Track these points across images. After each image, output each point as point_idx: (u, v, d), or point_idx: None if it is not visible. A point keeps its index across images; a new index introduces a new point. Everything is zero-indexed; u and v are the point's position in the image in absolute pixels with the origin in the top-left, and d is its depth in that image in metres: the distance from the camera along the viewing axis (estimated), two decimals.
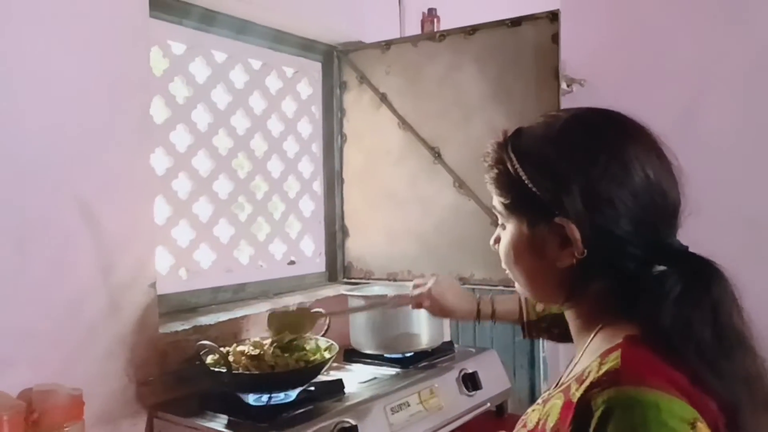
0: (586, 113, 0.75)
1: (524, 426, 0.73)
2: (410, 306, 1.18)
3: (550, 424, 0.65)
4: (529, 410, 0.74)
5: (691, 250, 0.69)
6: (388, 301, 1.31)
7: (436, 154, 1.58)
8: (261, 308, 1.42)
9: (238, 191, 1.51)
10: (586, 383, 0.62)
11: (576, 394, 0.62)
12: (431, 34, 1.63)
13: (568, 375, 0.73)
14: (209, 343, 1.09)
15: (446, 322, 1.56)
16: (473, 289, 1.65)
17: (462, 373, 1.37)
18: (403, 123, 1.63)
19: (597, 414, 0.57)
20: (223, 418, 1.09)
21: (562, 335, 0.98)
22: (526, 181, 0.70)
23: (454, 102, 1.55)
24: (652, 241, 0.67)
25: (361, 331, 1.44)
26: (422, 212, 1.61)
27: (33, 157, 1.00)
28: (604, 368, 0.62)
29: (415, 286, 1.17)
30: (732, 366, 0.63)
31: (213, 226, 1.46)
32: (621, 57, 2.56)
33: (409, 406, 1.22)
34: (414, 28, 1.85)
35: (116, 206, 1.11)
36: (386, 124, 1.66)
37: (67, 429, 0.97)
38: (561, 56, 1.48)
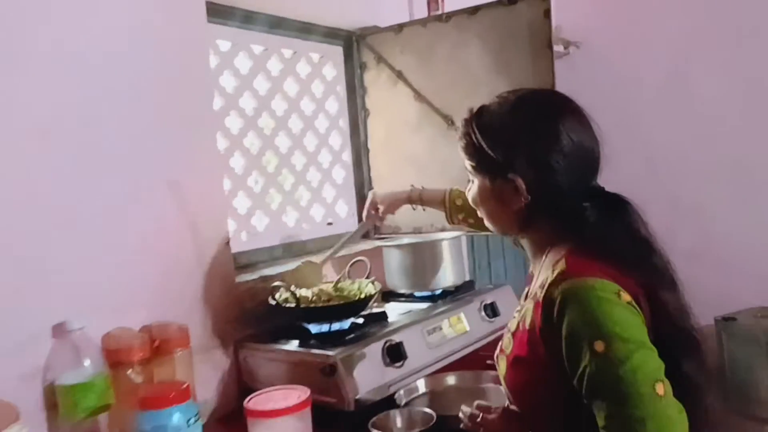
0: (528, 94, 1.00)
1: (508, 330, 0.99)
2: (367, 225, 1.57)
3: (527, 322, 0.92)
4: (509, 322, 1.01)
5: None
6: (355, 234, 1.59)
7: (450, 122, 1.82)
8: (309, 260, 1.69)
9: (282, 165, 1.77)
10: (546, 286, 0.88)
11: (540, 294, 0.89)
12: (438, 16, 1.86)
13: (532, 287, 0.99)
14: (283, 284, 1.37)
15: (467, 264, 1.82)
16: (487, 236, 1.91)
17: (482, 303, 1.64)
18: (419, 96, 1.86)
19: (557, 302, 0.85)
20: (294, 343, 1.37)
21: (476, 226, 1.40)
22: (485, 149, 0.95)
23: (462, 74, 1.78)
24: (579, 186, 0.93)
25: (395, 275, 1.71)
26: (440, 172, 1.85)
27: (133, 147, 1.26)
28: (556, 272, 0.88)
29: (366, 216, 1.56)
30: (646, 264, 0.90)
31: (264, 195, 1.72)
32: (615, 20, 2.73)
33: (441, 329, 1.49)
34: (422, 10, 2.07)
35: (196, 182, 1.38)
36: (403, 97, 1.89)
37: (178, 353, 1.25)
38: (556, 21, 1.68)
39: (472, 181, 1.03)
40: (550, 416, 0.92)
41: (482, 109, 0.99)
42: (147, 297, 1.27)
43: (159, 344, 1.22)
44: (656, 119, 2.55)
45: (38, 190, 1.11)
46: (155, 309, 1.28)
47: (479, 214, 1.05)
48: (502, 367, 0.99)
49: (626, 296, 0.84)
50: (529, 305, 0.92)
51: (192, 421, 0.98)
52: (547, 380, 0.88)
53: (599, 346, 0.79)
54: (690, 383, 0.85)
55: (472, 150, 0.98)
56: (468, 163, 1.01)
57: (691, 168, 2.53)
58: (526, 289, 1.04)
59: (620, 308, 0.82)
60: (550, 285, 0.87)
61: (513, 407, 1.06)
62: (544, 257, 0.97)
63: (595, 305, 0.82)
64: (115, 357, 1.16)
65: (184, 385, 1.01)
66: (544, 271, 0.95)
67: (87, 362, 1.10)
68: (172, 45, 1.34)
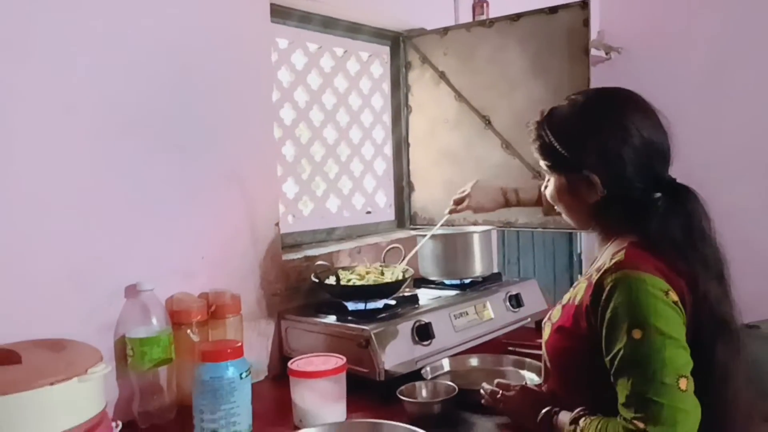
0: (596, 94, 1.09)
1: (559, 303, 1.09)
2: (457, 210, 1.64)
3: (578, 298, 1.01)
4: (563, 297, 1.09)
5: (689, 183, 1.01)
6: (447, 216, 1.69)
7: (487, 121, 1.92)
8: (348, 246, 1.83)
9: (328, 155, 1.91)
10: (602, 270, 0.97)
11: (594, 277, 0.98)
12: (482, 21, 1.95)
13: (590, 269, 1.08)
14: (326, 264, 1.51)
15: (495, 257, 1.92)
16: (518, 231, 2.01)
17: (508, 294, 1.74)
18: (459, 96, 1.97)
19: (607, 288, 0.93)
20: (332, 318, 1.50)
21: None
22: (558, 149, 1.04)
23: (501, 78, 1.88)
24: (650, 178, 1.00)
25: (427, 263, 1.83)
26: (475, 169, 1.96)
27: (205, 137, 1.42)
28: (614, 260, 0.96)
29: (456, 201, 1.62)
30: (695, 254, 0.96)
31: (311, 182, 1.86)
32: (655, 26, 2.77)
33: (467, 314, 1.60)
34: (466, 15, 2.17)
35: (253, 167, 1.53)
36: (444, 97, 2.00)
37: (230, 319, 1.40)
38: (600, 26, 1.75)
39: (549, 180, 1.11)
40: (577, 384, 1.02)
41: (553, 111, 1.06)
42: (206, 267, 1.43)
43: (215, 309, 1.38)
44: (693, 124, 2.59)
45: (126, 173, 1.29)
46: (213, 278, 1.43)
47: (557, 209, 1.13)
48: (546, 332, 1.08)
49: (674, 296, 0.91)
50: (583, 284, 1.01)
51: (244, 375, 1.13)
52: (582, 352, 0.98)
53: (637, 333, 0.88)
54: (719, 369, 0.92)
55: (546, 150, 1.06)
56: (543, 163, 1.09)
57: (727, 173, 2.56)
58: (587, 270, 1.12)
59: (664, 305, 0.90)
60: (606, 271, 0.95)
61: (531, 386, 1.17)
62: (609, 243, 1.05)
63: (642, 296, 0.90)
64: (177, 317, 1.32)
65: (239, 344, 1.16)
66: (604, 257, 1.03)
67: (154, 320, 1.27)
68: (240, 42, 1.49)
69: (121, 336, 1.27)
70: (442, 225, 1.73)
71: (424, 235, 1.82)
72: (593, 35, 2.79)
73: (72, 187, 1.21)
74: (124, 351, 1.26)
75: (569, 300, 1.05)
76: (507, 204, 1.58)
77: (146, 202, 1.32)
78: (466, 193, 1.61)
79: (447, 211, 1.67)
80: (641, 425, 0.85)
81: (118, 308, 1.28)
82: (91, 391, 0.97)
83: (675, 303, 0.91)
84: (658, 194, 0.99)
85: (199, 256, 1.42)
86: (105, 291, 1.25)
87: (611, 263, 0.96)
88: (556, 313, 1.08)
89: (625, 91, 1.06)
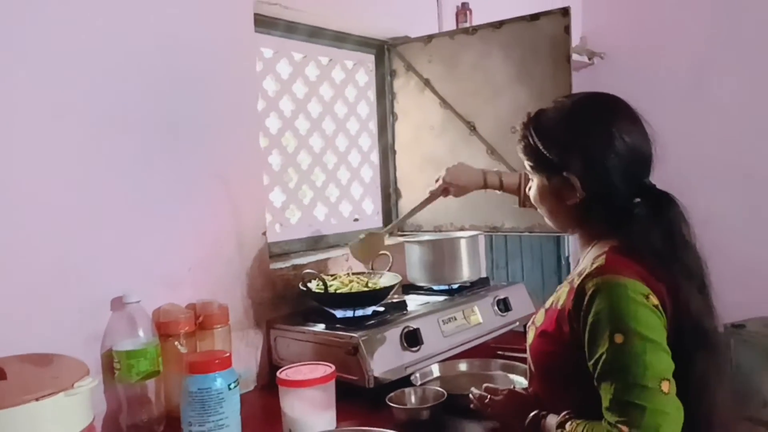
0: (583, 98, 1.10)
1: (543, 307, 1.10)
2: (439, 196, 1.63)
3: (560, 302, 1.02)
4: (546, 301, 1.10)
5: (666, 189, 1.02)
6: (424, 203, 1.69)
7: (472, 127, 1.94)
8: (336, 253, 1.83)
9: (315, 163, 1.91)
10: (583, 275, 0.97)
11: (576, 282, 0.99)
12: (465, 29, 1.98)
13: (572, 273, 1.09)
14: (313, 272, 1.51)
15: (483, 262, 1.94)
16: (505, 235, 2.02)
17: (496, 298, 1.76)
18: (444, 102, 1.99)
19: (588, 293, 0.94)
20: (320, 326, 1.50)
21: None
22: (542, 150, 1.05)
23: (485, 84, 1.90)
24: (631, 183, 1.01)
25: (415, 269, 1.84)
26: None
27: (188, 143, 1.42)
28: (594, 265, 0.97)
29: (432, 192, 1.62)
30: (677, 262, 0.97)
31: (297, 191, 1.87)
32: (637, 31, 2.82)
33: (456, 319, 1.61)
34: (450, 23, 2.20)
35: (239, 176, 1.53)
36: (429, 103, 2.02)
37: (218, 329, 1.40)
38: (582, 32, 1.77)
39: (532, 180, 1.12)
40: (562, 387, 1.03)
41: (539, 113, 1.08)
42: (193, 277, 1.43)
43: (202, 320, 1.38)
44: (673, 129, 2.62)
45: (105, 178, 1.28)
46: (200, 288, 1.43)
47: (540, 212, 1.14)
48: (530, 336, 1.09)
49: (654, 300, 0.92)
50: (565, 288, 1.02)
51: (232, 386, 1.13)
52: (566, 356, 0.99)
53: (618, 338, 0.89)
54: (698, 378, 0.92)
55: (530, 151, 1.07)
56: (527, 164, 1.10)
57: (707, 177, 2.61)
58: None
59: (645, 309, 0.90)
60: (587, 276, 0.96)
61: (519, 389, 1.18)
62: (590, 248, 1.06)
63: (623, 302, 0.90)
64: (164, 329, 1.32)
65: (226, 354, 1.16)
66: (585, 261, 1.04)
67: (141, 332, 1.26)
68: (224, 52, 1.49)
69: (108, 349, 1.27)
70: (418, 210, 1.72)
71: (412, 242, 1.84)
72: (576, 41, 2.83)
73: (56, 197, 1.20)
74: (111, 364, 1.26)
75: (552, 304, 1.06)
76: (486, 185, 1.57)
77: (131, 212, 1.32)
78: (443, 182, 1.61)
79: (427, 196, 1.67)
80: (625, 429, 0.86)
81: (104, 321, 1.27)
82: (78, 405, 0.97)
83: (656, 307, 0.92)
84: (639, 200, 1.00)
85: (185, 266, 1.41)
86: (90, 303, 1.25)
87: (592, 268, 0.97)
88: (539, 317, 1.09)
89: (612, 97, 1.07)
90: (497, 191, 1.59)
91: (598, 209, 1.03)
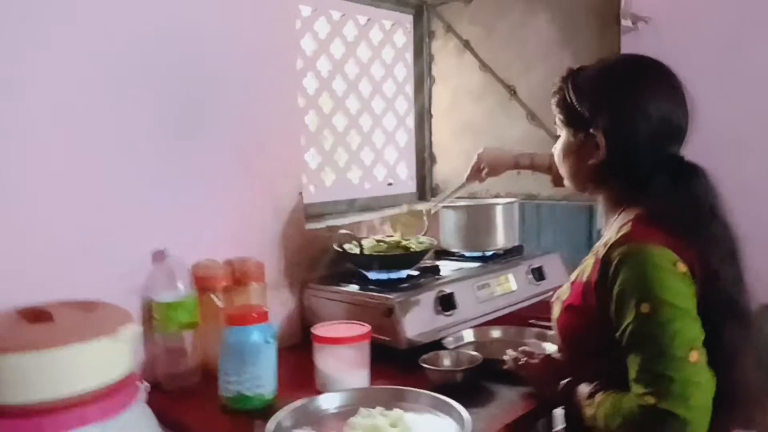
0: (626, 59, 1.07)
1: (569, 280, 1.08)
2: (474, 181, 1.64)
3: (586, 274, 1.00)
4: (572, 274, 1.08)
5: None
6: (456, 191, 1.70)
7: (512, 92, 1.89)
8: (370, 217, 1.83)
9: (351, 125, 1.89)
10: (608, 245, 0.95)
11: (601, 252, 0.96)
12: None
13: (597, 244, 1.06)
14: (350, 233, 1.51)
15: (516, 229, 1.90)
16: (539, 204, 1.99)
17: (530, 267, 1.73)
18: (483, 65, 1.94)
19: (614, 262, 0.92)
20: (354, 287, 1.50)
21: None
22: (574, 103, 1.02)
23: (527, 47, 1.84)
24: (657, 151, 0.98)
25: (449, 235, 1.82)
26: (498, 141, 1.93)
27: (229, 105, 1.41)
28: (620, 234, 0.95)
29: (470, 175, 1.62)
30: (705, 231, 0.94)
31: (333, 153, 1.85)
32: None
33: (490, 286, 1.59)
34: None
35: (277, 136, 1.52)
36: (468, 67, 1.97)
37: (254, 286, 1.41)
38: None
39: (559, 137, 1.10)
40: (589, 360, 1.02)
41: (581, 68, 1.06)
42: (231, 235, 1.44)
43: (239, 276, 1.39)
44: (718, 99, 2.52)
45: (150, 138, 1.28)
46: (238, 246, 1.44)
47: (560, 171, 1.12)
48: (556, 310, 1.08)
49: (682, 267, 0.89)
50: (590, 260, 1.00)
51: (269, 339, 1.14)
52: (593, 329, 0.98)
53: (645, 307, 0.87)
54: (727, 349, 0.90)
55: (563, 104, 1.05)
56: (558, 117, 1.08)
57: (751, 150, 2.50)
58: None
59: (673, 277, 0.88)
60: (612, 245, 0.94)
61: (555, 356, 1.17)
62: (616, 216, 1.04)
63: (649, 270, 0.88)
64: (202, 283, 1.33)
65: (264, 309, 1.17)
66: (610, 231, 1.02)
67: (180, 285, 1.28)
68: (263, 8, 1.47)
69: (147, 300, 1.29)
70: (456, 193, 1.72)
71: (447, 207, 1.81)
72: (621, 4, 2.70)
73: (106, 154, 1.21)
74: (150, 315, 1.28)
75: (577, 277, 1.04)
76: (517, 166, 1.57)
77: (175, 171, 1.33)
78: (476, 163, 1.60)
79: (465, 179, 1.65)
80: (652, 401, 0.84)
81: (144, 273, 1.29)
82: (121, 351, 0.98)
83: (684, 274, 0.89)
84: (665, 171, 0.97)
85: (224, 223, 1.42)
86: (133, 256, 1.27)
87: (618, 236, 0.94)
88: (564, 291, 1.07)
89: (656, 62, 1.03)
90: (529, 171, 1.57)
91: (619, 173, 1.01)
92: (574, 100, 1.03)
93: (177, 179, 1.33)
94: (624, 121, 0.98)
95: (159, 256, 1.28)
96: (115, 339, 0.95)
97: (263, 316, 1.14)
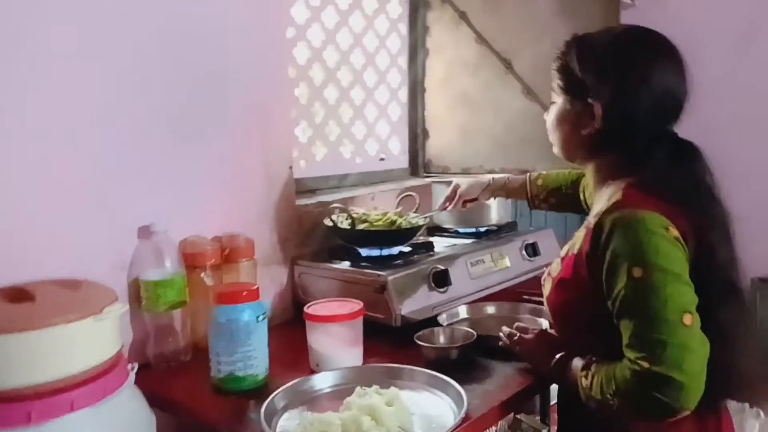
0: (633, 30, 1.03)
1: (558, 257, 1.06)
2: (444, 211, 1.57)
3: (576, 247, 0.98)
4: (561, 250, 1.07)
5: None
6: (432, 214, 1.65)
7: (508, 65, 1.84)
8: (361, 192, 1.79)
9: (342, 98, 1.84)
10: (599, 214, 0.93)
11: (592, 221, 0.95)
12: None
13: (588, 218, 1.03)
14: (342, 206, 1.47)
15: (510, 205, 1.87)
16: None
17: (524, 243, 1.71)
18: (480, 38, 1.89)
19: (606, 229, 0.91)
20: (346, 264, 1.48)
21: (557, 204, 1.43)
22: (576, 70, 1.00)
23: (525, 19, 1.79)
24: (655, 125, 0.97)
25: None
26: (494, 115, 1.90)
27: (216, 70, 1.36)
28: (611, 202, 0.94)
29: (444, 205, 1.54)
30: (705, 209, 0.94)
31: (324, 126, 1.81)
32: None
33: (484, 262, 1.57)
34: None
35: (267, 108, 1.47)
36: (464, 39, 1.92)
37: (244, 263, 1.38)
38: None
39: (553, 104, 1.08)
40: (583, 336, 1.01)
41: (586, 34, 1.04)
42: (220, 210, 1.40)
43: (228, 253, 1.35)
44: (718, 78, 2.50)
45: (134, 109, 1.23)
46: (226, 222, 1.40)
47: (551, 137, 1.09)
48: (547, 288, 1.07)
49: (674, 231, 0.89)
50: (581, 233, 0.99)
51: (260, 318, 1.11)
52: (585, 302, 0.96)
53: (637, 272, 0.86)
54: (721, 329, 0.89)
55: (564, 69, 1.03)
56: (556, 82, 1.05)
57: (749, 130, 2.49)
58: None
59: (665, 241, 0.87)
60: (603, 213, 0.93)
61: (550, 331, 1.15)
62: (605, 188, 1.02)
63: (641, 235, 0.87)
64: (191, 260, 1.30)
65: (255, 286, 1.14)
66: (600, 202, 1.00)
67: (167, 262, 1.24)
68: None
69: (134, 278, 1.25)
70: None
71: (440, 183, 1.78)
72: None
73: (84, 126, 1.16)
74: (137, 293, 1.25)
75: (568, 251, 1.02)
76: (492, 192, 1.51)
77: (159, 143, 1.27)
78: (449, 196, 1.54)
79: (438, 207, 1.59)
80: (645, 365, 0.83)
81: (131, 250, 1.25)
82: (108, 331, 0.95)
83: (676, 239, 0.89)
84: (662, 146, 0.96)
85: (212, 198, 1.38)
86: (118, 232, 1.22)
87: (609, 204, 0.94)
88: (555, 267, 1.05)
89: (663, 37, 1.01)
90: (504, 197, 1.55)
91: (615, 145, 1.00)
92: (577, 68, 1.00)
93: (162, 154, 1.28)
94: (628, 93, 0.96)
95: (145, 232, 1.24)
96: (100, 319, 0.92)
97: (254, 294, 1.11)
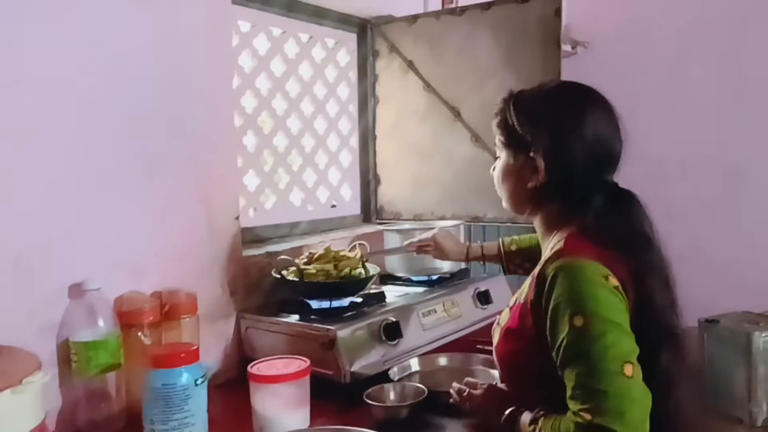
0: (565, 84, 1.09)
1: (507, 306, 1.06)
2: (414, 252, 1.54)
3: (523, 296, 0.99)
4: (510, 300, 1.08)
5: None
6: (401, 248, 1.62)
7: (456, 113, 1.87)
8: (312, 240, 1.76)
9: (292, 145, 1.82)
10: (543, 263, 0.95)
11: (536, 270, 0.96)
12: (452, 9, 1.90)
13: (536, 268, 1.04)
14: (288, 258, 1.43)
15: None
16: (484, 226, 1.97)
17: (476, 290, 1.70)
18: (428, 86, 1.91)
19: (549, 277, 0.92)
20: (294, 317, 1.43)
21: (532, 268, 1.37)
22: (514, 125, 1.02)
23: (471, 68, 1.83)
24: (593, 175, 1.00)
25: (394, 259, 1.77)
26: (443, 163, 1.91)
27: (157, 122, 1.32)
28: (554, 251, 0.96)
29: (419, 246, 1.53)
30: (639, 252, 0.95)
31: (273, 174, 1.78)
32: (619, 21, 2.79)
33: (436, 312, 1.55)
34: (436, 2, 2.12)
35: (212, 157, 1.44)
36: (413, 87, 1.94)
37: (186, 319, 1.32)
38: (565, 20, 1.72)
39: (498, 158, 1.10)
40: (531, 388, 1.00)
41: (521, 91, 1.07)
42: (160, 264, 1.33)
43: (168, 309, 1.29)
44: (656, 122, 2.62)
45: (74, 157, 1.18)
46: (166, 276, 1.34)
47: (499, 192, 1.12)
48: (495, 337, 1.07)
49: (614, 281, 0.90)
50: (528, 282, 0.99)
51: (200, 381, 1.05)
52: (531, 352, 0.96)
53: (578, 320, 0.86)
54: (663, 376, 0.90)
55: (503, 125, 1.06)
56: (498, 138, 1.08)
57: (687, 172, 2.60)
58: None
59: (605, 290, 0.88)
60: (546, 261, 0.94)
61: (500, 385, 1.13)
62: (551, 238, 1.04)
63: (582, 284, 0.88)
64: (127, 319, 1.23)
65: (194, 347, 1.08)
66: (546, 252, 1.02)
67: (101, 322, 1.17)
68: (199, 24, 1.39)
69: (64, 339, 1.17)
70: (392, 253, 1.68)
71: (391, 231, 1.77)
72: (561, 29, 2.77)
73: (7, 178, 1.09)
74: (68, 356, 1.16)
75: (516, 300, 1.03)
76: (468, 257, 1.51)
77: (94, 191, 1.22)
78: (428, 239, 1.52)
79: (405, 245, 1.58)
80: (588, 417, 0.82)
81: (61, 309, 1.17)
82: (27, 403, 0.88)
83: (616, 288, 0.90)
84: (600, 194, 0.99)
85: (151, 251, 1.32)
86: (46, 289, 1.15)
87: (551, 253, 0.95)
88: (504, 317, 1.06)
89: (593, 90, 1.05)
90: (480, 262, 1.53)
91: (556, 196, 1.02)
92: (515, 122, 1.03)
93: (96, 204, 1.22)
94: (562, 143, 0.98)
95: (76, 290, 1.17)
96: (19, 391, 0.85)
97: (192, 355, 1.05)
